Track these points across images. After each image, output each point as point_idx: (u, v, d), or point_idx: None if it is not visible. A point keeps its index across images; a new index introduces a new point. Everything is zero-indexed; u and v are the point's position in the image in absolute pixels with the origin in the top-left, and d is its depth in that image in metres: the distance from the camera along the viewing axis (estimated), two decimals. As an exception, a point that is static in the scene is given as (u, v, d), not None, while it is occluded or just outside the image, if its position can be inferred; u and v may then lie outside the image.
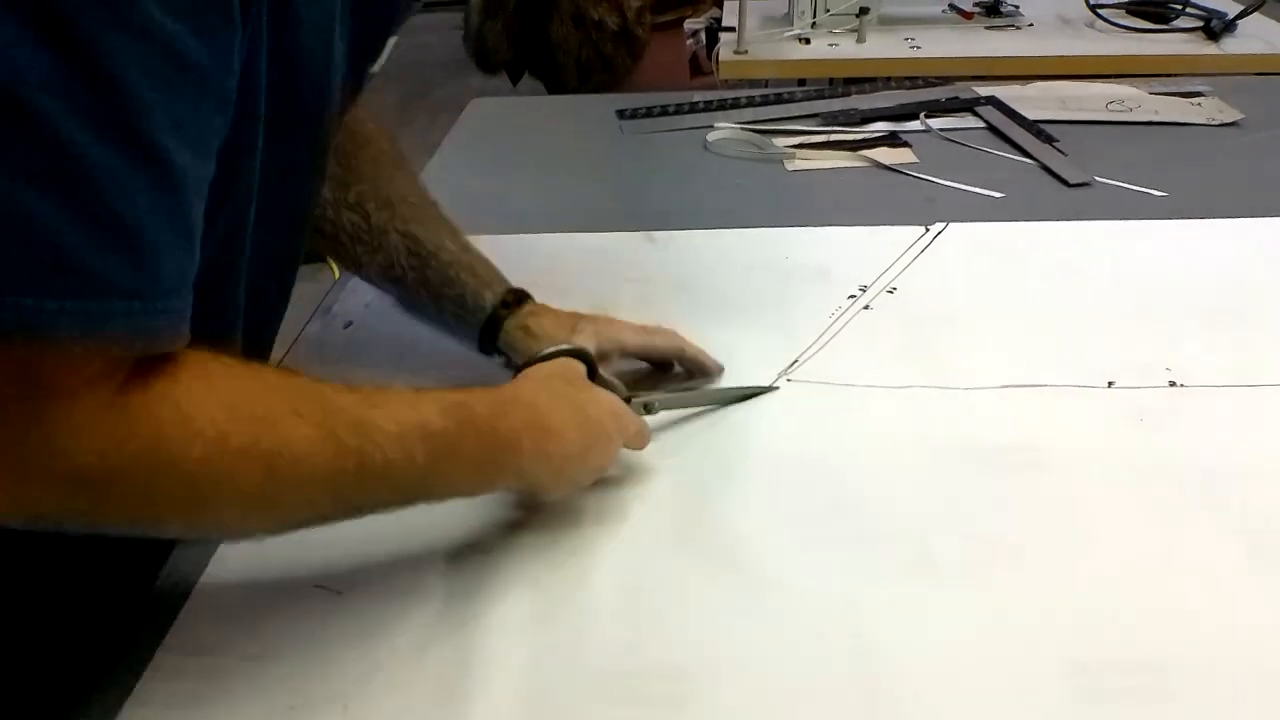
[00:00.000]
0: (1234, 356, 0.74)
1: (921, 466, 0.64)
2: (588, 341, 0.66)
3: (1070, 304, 0.82)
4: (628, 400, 0.63)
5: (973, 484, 0.62)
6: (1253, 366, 0.73)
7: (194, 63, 0.37)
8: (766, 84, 1.60)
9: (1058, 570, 0.56)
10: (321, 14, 0.49)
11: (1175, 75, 1.43)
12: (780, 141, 1.19)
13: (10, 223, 0.34)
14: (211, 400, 0.41)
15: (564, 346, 0.61)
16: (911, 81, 1.40)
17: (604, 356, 0.67)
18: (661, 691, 0.49)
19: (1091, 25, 1.67)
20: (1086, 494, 0.62)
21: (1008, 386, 0.71)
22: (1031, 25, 1.70)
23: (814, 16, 1.68)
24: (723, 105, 1.31)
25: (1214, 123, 1.23)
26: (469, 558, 0.57)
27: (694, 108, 1.31)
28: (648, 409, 0.65)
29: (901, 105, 1.28)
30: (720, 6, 1.99)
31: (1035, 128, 1.19)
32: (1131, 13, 1.70)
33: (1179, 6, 1.65)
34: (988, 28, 1.70)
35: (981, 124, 1.23)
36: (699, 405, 0.69)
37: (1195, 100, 1.31)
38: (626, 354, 0.70)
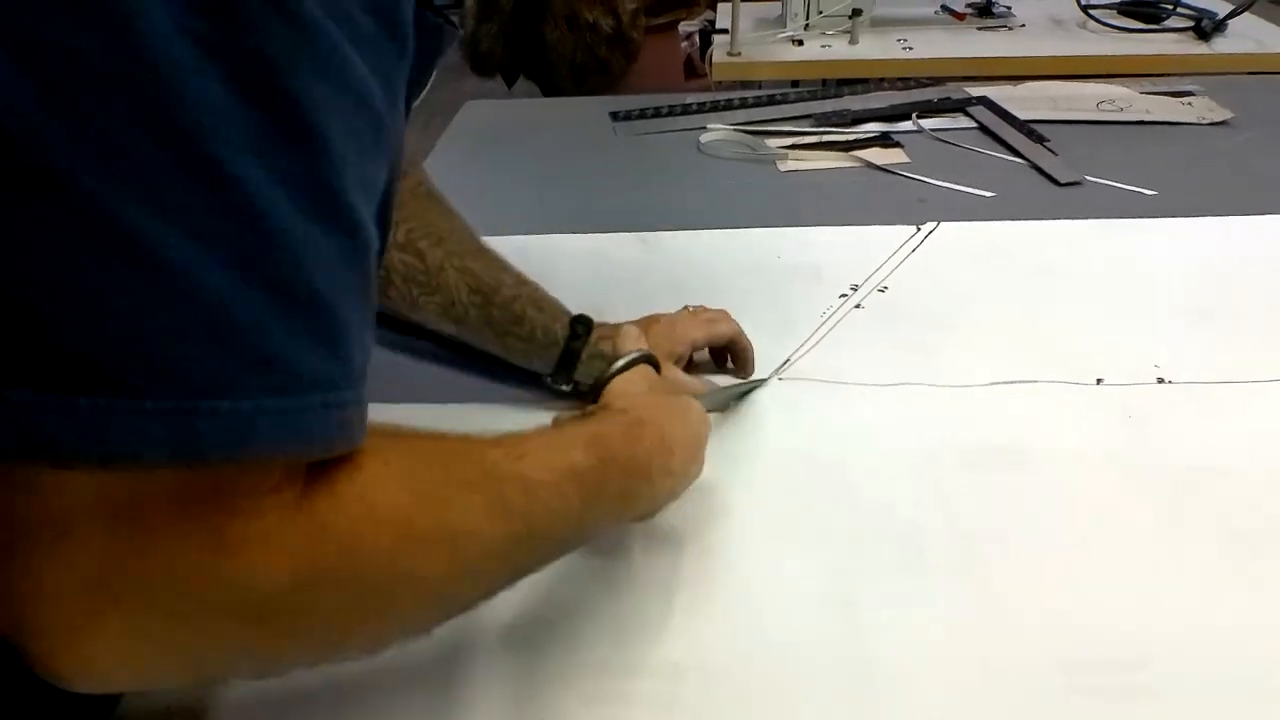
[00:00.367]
0: (1221, 353, 0.75)
1: (912, 463, 0.64)
2: (663, 346, 0.66)
3: (1059, 302, 0.82)
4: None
5: (963, 480, 0.63)
6: (1240, 363, 0.74)
7: (378, 115, 0.33)
8: (760, 85, 1.61)
9: (1047, 566, 0.56)
10: None
11: (1166, 75, 1.43)
12: (773, 142, 1.19)
13: (199, 307, 0.28)
14: (393, 482, 0.35)
15: (634, 355, 0.59)
16: (904, 82, 1.41)
17: (680, 358, 0.68)
18: (651, 689, 0.49)
19: (1083, 26, 1.68)
20: (1075, 490, 0.62)
21: (997, 384, 0.72)
22: (1023, 26, 1.71)
23: (807, 18, 1.69)
24: (716, 107, 1.32)
25: (1204, 122, 1.24)
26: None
27: (687, 109, 1.32)
28: None
29: (894, 106, 1.28)
30: (714, 9, 1.99)
31: (1026, 128, 1.20)
32: (1123, 13, 1.71)
33: (1170, 6, 1.66)
34: (980, 29, 1.71)
35: (973, 124, 1.24)
36: (714, 408, 0.68)
37: (1186, 100, 1.32)
38: (697, 348, 0.71)
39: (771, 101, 1.33)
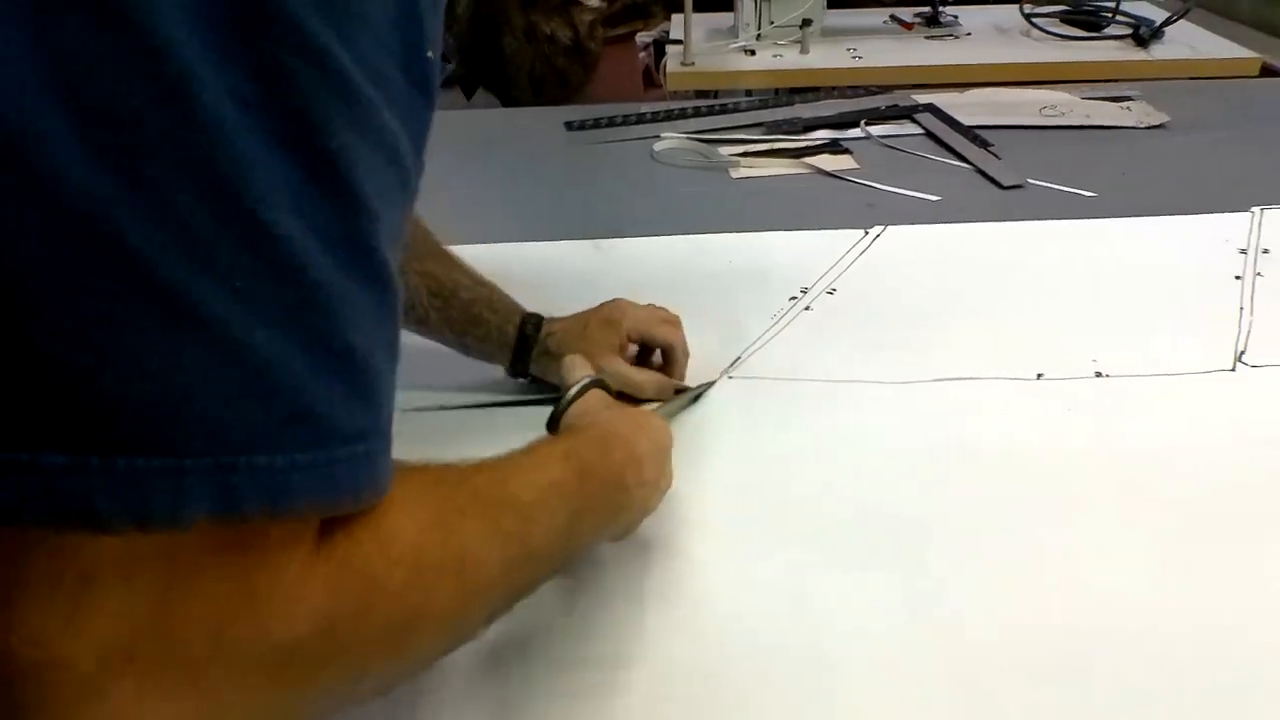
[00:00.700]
0: (1156, 347, 0.78)
1: (858, 457, 0.66)
2: (602, 336, 0.69)
3: (1002, 301, 0.85)
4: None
5: (907, 473, 0.65)
6: (1173, 355, 0.76)
7: (406, 168, 0.34)
8: (716, 95, 1.63)
9: (990, 554, 0.58)
10: None
11: (1106, 81, 1.48)
12: (725, 150, 1.21)
13: (239, 362, 0.28)
14: (401, 515, 0.35)
15: (584, 382, 0.58)
16: (853, 90, 1.44)
17: (620, 348, 0.70)
18: (605, 681, 0.50)
19: (1026, 34, 1.72)
20: (1017, 480, 0.64)
21: (941, 380, 0.74)
22: (969, 35, 1.75)
23: (759, 28, 1.71)
24: (669, 116, 1.33)
25: (1142, 126, 1.28)
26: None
27: (641, 118, 1.33)
28: None
29: (843, 113, 1.31)
30: (671, 20, 2.02)
31: (971, 133, 1.23)
32: (1065, 21, 1.75)
33: (1109, 15, 1.71)
34: (927, 37, 1.75)
35: (920, 130, 1.27)
36: (671, 417, 0.70)
37: (1125, 104, 1.35)
38: (633, 339, 0.72)
39: (724, 110, 1.36)
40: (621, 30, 2.39)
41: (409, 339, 0.74)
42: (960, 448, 0.67)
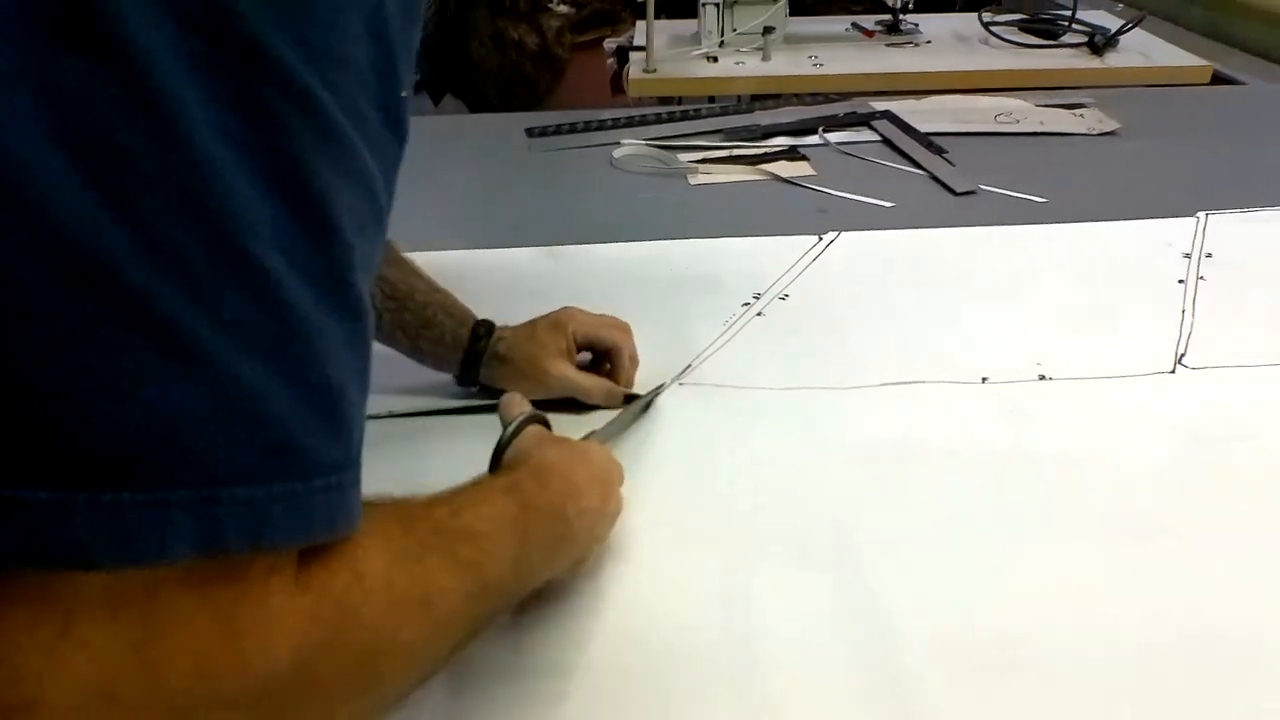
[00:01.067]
0: (1099, 349, 0.79)
1: (804, 462, 0.67)
2: (549, 340, 0.70)
3: (950, 305, 0.86)
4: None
5: (854, 477, 0.65)
6: (1116, 358, 0.78)
7: (380, 204, 0.35)
8: (680, 101, 1.64)
9: (933, 558, 0.59)
10: None
11: (1062, 88, 1.50)
12: (684, 157, 1.22)
13: (225, 395, 0.29)
14: (372, 547, 0.35)
15: (520, 419, 0.58)
16: (813, 97, 1.45)
17: (567, 352, 0.71)
18: (545, 690, 0.51)
19: (985, 42, 1.75)
20: (960, 483, 0.65)
21: (887, 384, 0.75)
22: (929, 42, 1.77)
23: (721, 35, 1.72)
24: (630, 122, 1.34)
25: (1094, 132, 1.30)
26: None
27: (601, 125, 1.34)
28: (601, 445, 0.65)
29: (801, 120, 1.32)
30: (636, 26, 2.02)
31: (926, 140, 1.24)
32: (1023, 30, 1.78)
33: (1066, 23, 1.74)
34: (888, 45, 1.77)
35: (877, 137, 1.28)
36: (625, 429, 0.71)
37: (1078, 111, 1.38)
38: (579, 342, 0.72)
39: (685, 117, 1.36)
40: (589, 36, 2.39)
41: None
42: (903, 452, 0.68)
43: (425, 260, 0.75)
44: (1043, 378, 0.76)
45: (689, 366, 0.78)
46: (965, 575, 0.58)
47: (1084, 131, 1.30)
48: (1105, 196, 1.09)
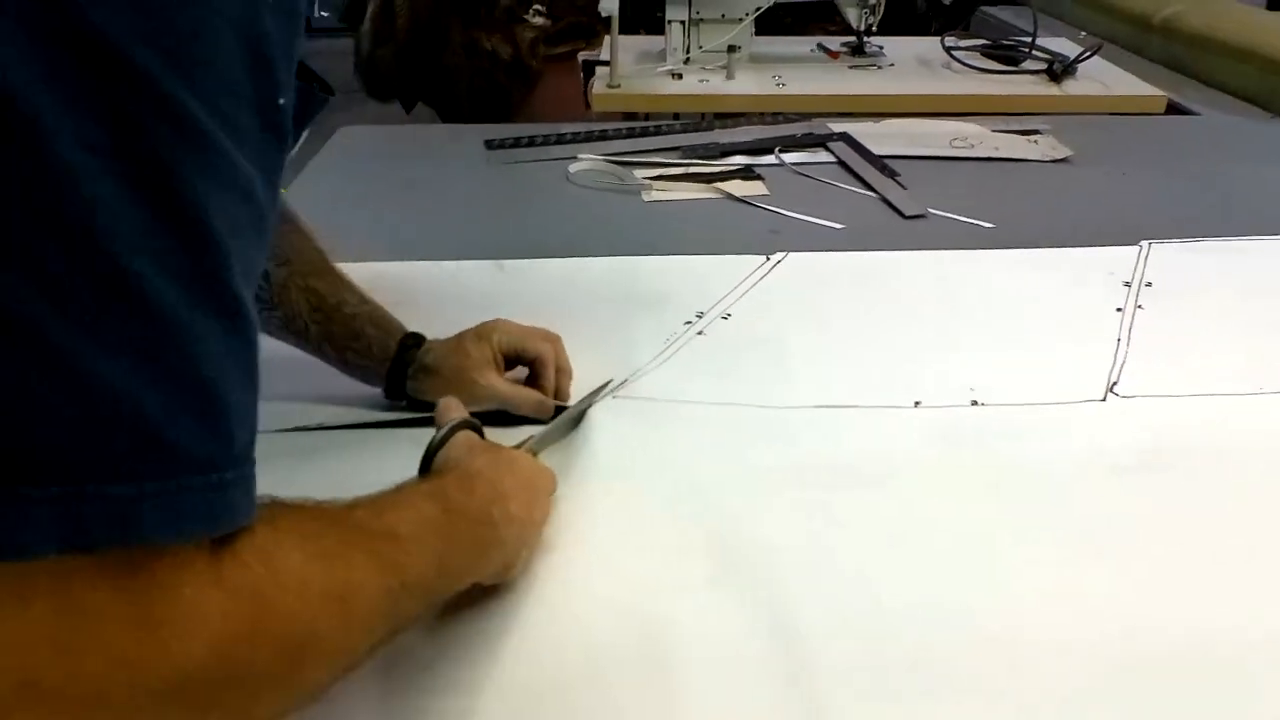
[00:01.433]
0: (1033, 376, 0.80)
1: (733, 479, 0.67)
2: (474, 350, 0.70)
3: (888, 329, 0.87)
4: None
5: (773, 496, 0.66)
6: (1049, 385, 0.79)
7: (260, 206, 0.35)
8: (647, 118, 1.64)
9: (855, 579, 0.59)
10: None
11: (1020, 114, 1.52)
12: (640, 173, 1.23)
13: (84, 392, 0.30)
14: (287, 544, 0.37)
15: (452, 424, 0.58)
16: (772, 117, 1.46)
17: (493, 361, 0.72)
18: (452, 707, 0.50)
19: (947, 66, 1.77)
20: (887, 506, 0.65)
21: (822, 406, 0.75)
22: (893, 65, 1.79)
23: (687, 53, 1.73)
24: (590, 137, 1.35)
25: (1046, 159, 1.32)
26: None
27: (561, 139, 1.34)
28: (533, 455, 0.65)
29: (758, 140, 1.33)
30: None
31: (880, 163, 1.26)
32: (985, 55, 1.80)
33: (1026, 50, 1.76)
34: (851, 67, 1.78)
35: (832, 159, 1.29)
36: (562, 437, 0.71)
37: (1032, 138, 1.40)
38: (504, 351, 0.72)
39: (645, 133, 1.37)
40: (564, 49, 2.39)
41: (293, 357, 0.74)
42: (833, 474, 0.68)
43: (370, 271, 0.75)
44: (975, 403, 0.77)
45: (624, 381, 0.78)
46: (888, 599, 0.58)
47: (1037, 158, 1.32)
48: (1052, 223, 1.11)
